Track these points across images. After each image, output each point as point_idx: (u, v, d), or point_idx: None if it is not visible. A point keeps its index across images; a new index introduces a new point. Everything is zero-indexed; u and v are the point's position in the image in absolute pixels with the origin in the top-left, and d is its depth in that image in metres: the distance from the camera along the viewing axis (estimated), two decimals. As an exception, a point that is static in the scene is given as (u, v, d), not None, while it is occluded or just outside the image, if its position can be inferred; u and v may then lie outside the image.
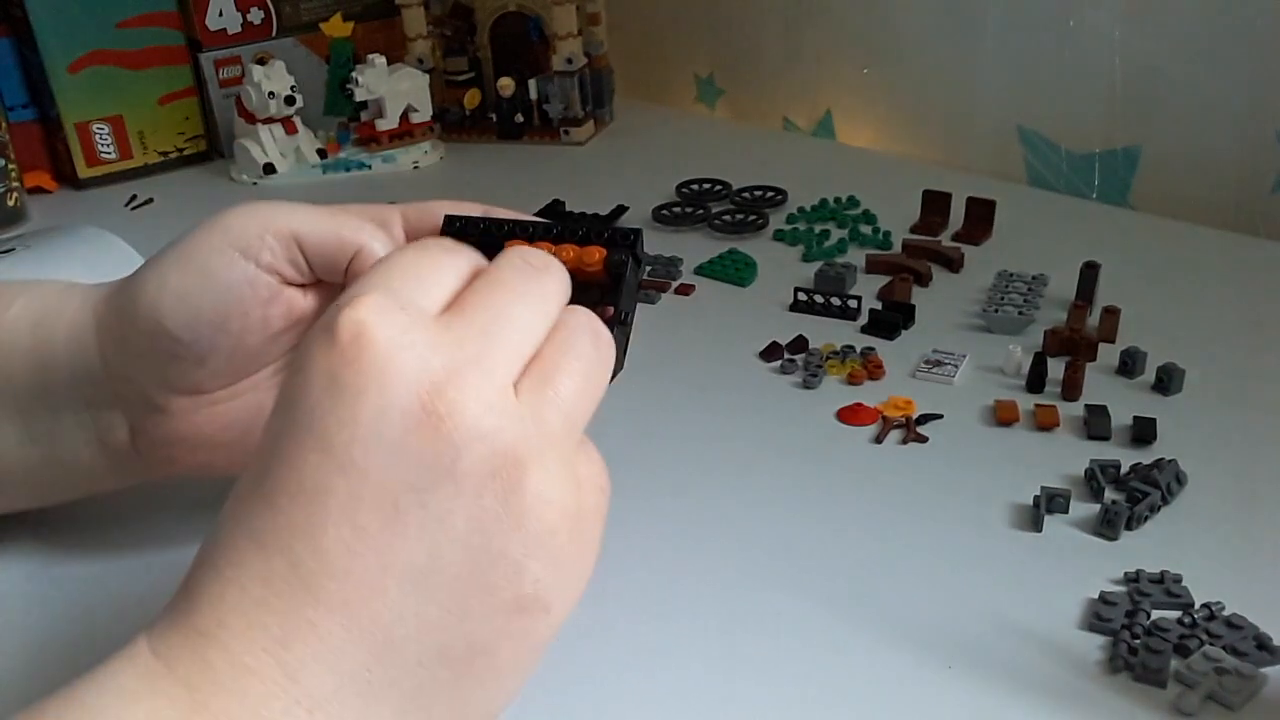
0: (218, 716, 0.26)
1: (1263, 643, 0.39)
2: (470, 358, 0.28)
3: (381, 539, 0.27)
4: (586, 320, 0.32)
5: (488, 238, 0.38)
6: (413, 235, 0.40)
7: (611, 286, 0.37)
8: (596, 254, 0.37)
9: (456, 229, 0.39)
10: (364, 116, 0.95)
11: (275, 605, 0.27)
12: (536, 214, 0.80)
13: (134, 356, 0.41)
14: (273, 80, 0.90)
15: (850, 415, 0.55)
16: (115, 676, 0.27)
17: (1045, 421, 0.53)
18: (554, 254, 0.36)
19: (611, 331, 0.34)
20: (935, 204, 0.77)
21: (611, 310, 0.36)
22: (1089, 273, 0.63)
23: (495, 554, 0.28)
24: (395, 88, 0.93)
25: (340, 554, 0.27)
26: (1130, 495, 0.47)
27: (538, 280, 0.31)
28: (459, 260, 0.32)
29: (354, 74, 0.92)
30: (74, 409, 0.43)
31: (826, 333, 0.63)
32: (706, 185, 0.85)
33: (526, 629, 0.29)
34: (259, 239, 0.38)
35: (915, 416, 0.54)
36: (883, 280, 0.68)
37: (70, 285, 0.44)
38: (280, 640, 0.27)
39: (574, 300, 0.34)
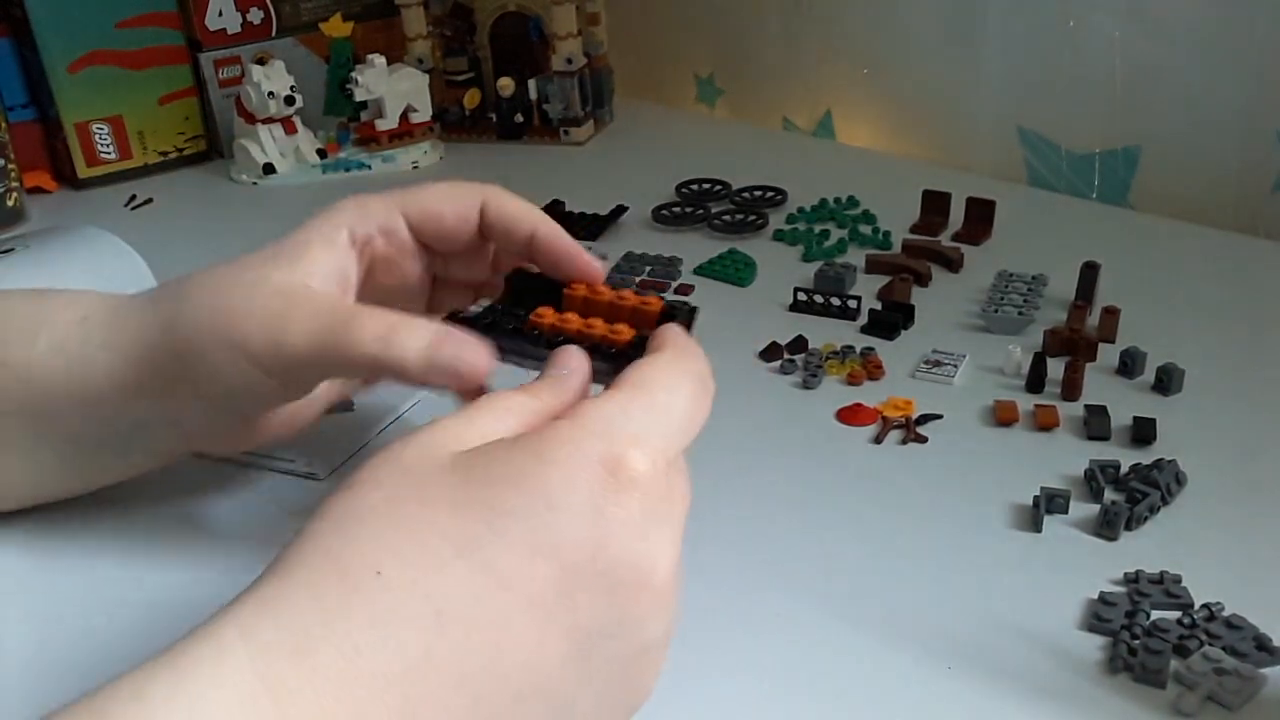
0: None
1: (1262, 643, 0.39)
2: (679, 537, 0.32)
3: (552, 668, 0.29)
4: None
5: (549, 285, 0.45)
6: (418, 231, 0.45)
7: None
8: (655, 303, 0.42)
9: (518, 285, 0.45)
10: (364, 116, 0.95)
11: (422, 689, 0.27)
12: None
13: (206, 402, 0.43)
14: (272, 80, 0.90)
15: (850, 415, 0.55)
16: (202, 683, 0.25)
17: (1045, 422, 0.53)
18: (615, 297, 0.43)
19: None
20: (935, 204, 0.77)
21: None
22: (1089, 273, 0.63)
23: (603, 714, 0.31)
24: (395, 88, 0.93)
25: (512, 658, 0.28)
26: (1130, 495, 0.47)
27: None
28: (705, 413, 0.35)
29: (354, 74, 0.92)
30: (123, 438, 0.45)
31: (826, 333, 0.63)
32: (706, 185, 0.85)
33: None
34: (317, 384, 0.43)
35: (915, 417, 0.54)
36: (882, 280, 0.68)
37: (98, 323, 0.44)
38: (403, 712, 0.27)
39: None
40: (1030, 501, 0.47)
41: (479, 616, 0.28)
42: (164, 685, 0.25)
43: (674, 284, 0.70)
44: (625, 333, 0.41)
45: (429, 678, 0.27)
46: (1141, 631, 0.40)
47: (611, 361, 0.40)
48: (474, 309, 0.44)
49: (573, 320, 0.41)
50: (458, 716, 0.28)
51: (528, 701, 0.29)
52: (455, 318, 0.42)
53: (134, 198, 0.92)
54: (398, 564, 0.28)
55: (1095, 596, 0.42)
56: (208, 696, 0.25)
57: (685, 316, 0.43)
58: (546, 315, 0.42)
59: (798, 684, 0.39)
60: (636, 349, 0.40)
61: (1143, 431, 0.51)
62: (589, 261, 0.45)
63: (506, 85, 0.97)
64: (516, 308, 0.43)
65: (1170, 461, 0.48)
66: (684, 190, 0.84)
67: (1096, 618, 0.41)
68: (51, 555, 0.48)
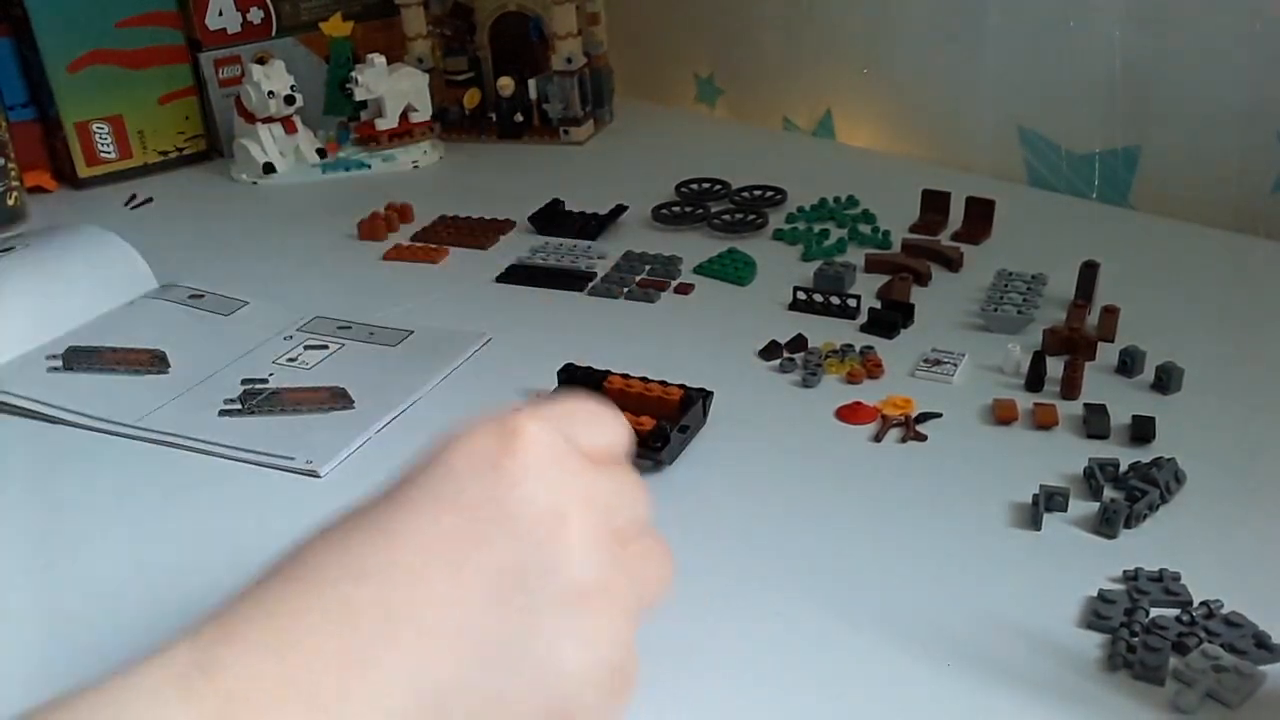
0: None
1: (1261, 641, 0.39)
2: (600, 500, 0.32)
3: (477, 609, 0.29)
4: (664, 547, 0.36)
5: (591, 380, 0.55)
6: None
7: (681, 410, 0.53)
8: (676, 392, 0.53)
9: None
10: (364, 116, 0.95)
11: (351, 635, 0.28)
12: (536, 213, 0.80)
13: None
14: (272, 80, 0.90)
15: (849, 414, 0.55)
16: (147, 678, 0.27)
17: (1044, 420, 0.53)
18: (644, 388, 0.54)
19: (669, 434, 0.50)
20: (935, 203, 0.77)
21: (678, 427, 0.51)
22: (1088, 272, 0.63)
23: (558, 671, 0.30)
24: (395, 87, 0.93)
25: (436, 609, 0.29)
26: (1129, 494, 0.47)
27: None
28: (618, 427, 0.36)
29: (354, 73, 0.92)
30: None
31: (826, 331, 0.63)
32: (706, 185, 0.85)
33: None
34: None
35: (914, 415, 0.54)
36: (882, 279, 0.68)
37: None
38: (341, 668, 0.27)
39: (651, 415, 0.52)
40: (1030, 500, 0.47)
41: (391, 569, 0.29)
42: (112, 679, 0.27)
43: (674, 283, 0.70)
44: (648, 423, 0.51)
45: (352, 633, 0.28)
46: (1141, 629, 0.40)
47: (636, 447, 0.46)
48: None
49: None
50: (386, 665, 0.28)
51: (455, 644, 0.29)
52: None
53: (134, 197, 0.92)
54: (319, 553, 0.30)
55: (1094, 594, 0.42)
56: (145, 677, 0.27)
57: (700, 399, 0.53)
58: None
59: (798, 681, 0.39)
60: (657, 435, 0.50)
61: (1142, 430, 0.51)
62: None
63: (506, 85, 0.97)
64: None
65: (1169, 460, 0.48)
66: (684, 190, 0.84)
67: (1096, 615, 0.41)
68: (50, 552, 0.48)
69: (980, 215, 0.75)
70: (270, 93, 0.90)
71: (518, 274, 0.73)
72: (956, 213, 0.76)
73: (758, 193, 0.83)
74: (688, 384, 0.54)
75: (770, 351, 0.61)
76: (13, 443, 0.56)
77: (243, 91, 0.92)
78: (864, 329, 0.63)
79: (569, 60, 0.95)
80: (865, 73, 0.96)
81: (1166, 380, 0.55)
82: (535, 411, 0.33)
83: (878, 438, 0.53)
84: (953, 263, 0.70)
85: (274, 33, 0.99)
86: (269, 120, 0.92)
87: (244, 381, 0.60)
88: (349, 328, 0.66)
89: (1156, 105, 0.79)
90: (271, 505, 0.50)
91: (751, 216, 0.78)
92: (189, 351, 0.63)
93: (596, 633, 0.31)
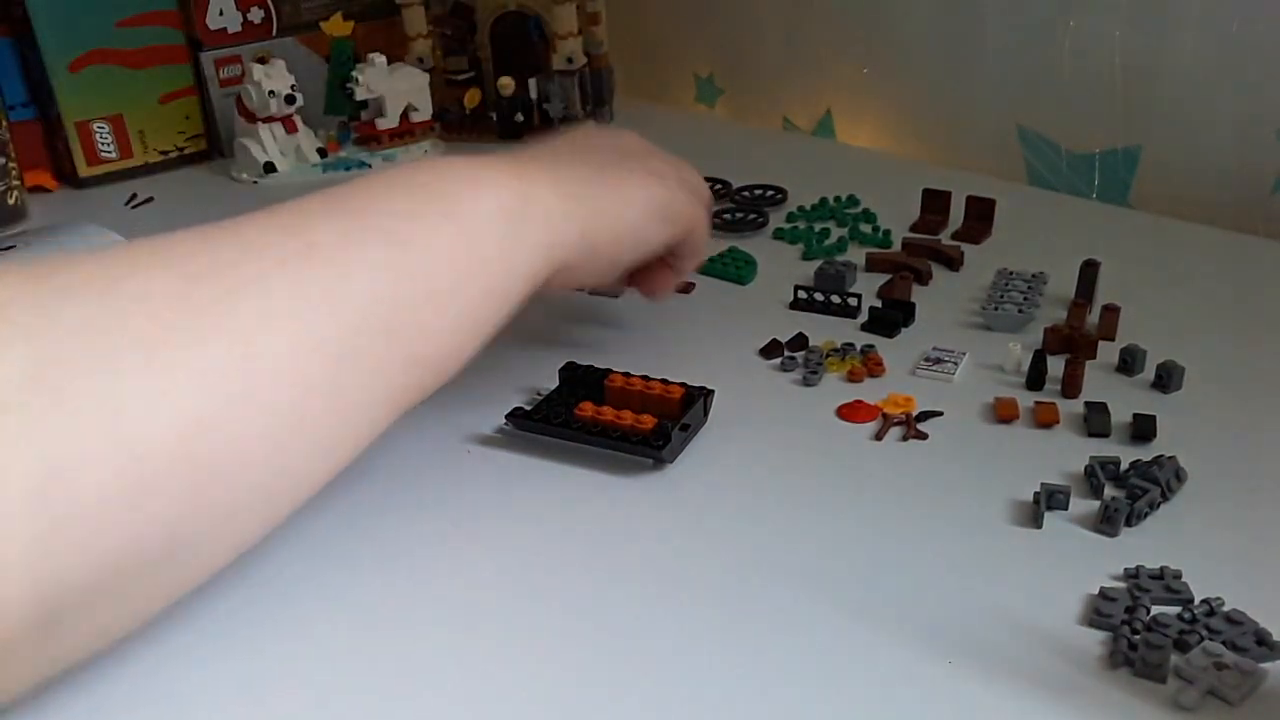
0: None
1: (1262, 638, 0.39)
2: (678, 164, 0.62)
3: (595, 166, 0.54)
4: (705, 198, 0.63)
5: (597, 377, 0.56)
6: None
7: (682, 409, 0.53)
8: (677, 390, 0.54)
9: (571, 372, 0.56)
10: (364, 115, 0.95)
11: (560, 184, 0.50)
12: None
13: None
14: (273, 79, 0.90)
15: (850, 412, 0.55)
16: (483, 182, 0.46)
17: (1045, 419, 0.53)
18: (645, 387, 0.54)
19: (671, 432, 0.50)
20: (935, 202, 0.77)
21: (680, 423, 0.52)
22: (1089, 271, 0.63)
23: (640, 189, 0.55)
24: (395, 87, 0.93)
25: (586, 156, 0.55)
26: (1130, 492, 0.47)
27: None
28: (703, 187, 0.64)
29: (354, 73, 0.92)
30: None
31: (827, 330, 0.63)
32: (706, 184, 0.85)
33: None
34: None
35: (915, 414, 0.54)
36: (883, 278, 0.68)
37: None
38: (553, 184, 0.49)
39: (651, 413, 0.52)
40: (1031, 498, 0.47)
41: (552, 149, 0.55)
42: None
43: (674, 282, 0.70)
44: (649, 421, 0.51)
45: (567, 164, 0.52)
46: (1142, 626, 0.40)
47: (638, 446, 0.50)
48: (530, 403, 0.55)
49: (607, 413, 0.52)
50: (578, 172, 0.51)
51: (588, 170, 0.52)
52: (515, 414, 0.53)
53: (134, 196, 0.92)
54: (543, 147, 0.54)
55: (1095, 592, 0.42)
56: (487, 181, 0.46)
57: (701, 398, 0.53)
58: (587, 409, 0.52)
59: (797, 680, 0.39)
60: (658, 434, 0.50)
61: (1143, 428, 0.51)
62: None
63: (507, 85, 0.97)
64: (568, 396, 0.55)
65: (1170, 458, 0.48)
66: (684, 189, 0.84)
67: (1097, 613, 0.41)
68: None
69: (980, 214, 0.75)
70: (271, 92, 0.90)
71: (518, 273, 0.73)
72: (957, 212, 0.76)
73: (758, 192, 0.83)
74: (689, 382, 0.54)
75: (771, 350, 0.61)
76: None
77: (244, 91, 0.92)
78: (865, 328, 0.63)
79: (569, 60, 0.95)
80: (865, 73, 0.96)
81: (1167, 379, 0.55)
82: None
83: (879, 436, 0.53)
84: (953, 262, 0.70)
85: (274, 32, 0.99)
86: (270, 120, 0.92)
87: (245, 380, 0.60)
88: (350, 326, 0.66)
89: (1156, 105, 0.79)
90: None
91: (752, 216, 0.78)
92: (190, 350, 0.63)
93: (659, 185, 0.55)
